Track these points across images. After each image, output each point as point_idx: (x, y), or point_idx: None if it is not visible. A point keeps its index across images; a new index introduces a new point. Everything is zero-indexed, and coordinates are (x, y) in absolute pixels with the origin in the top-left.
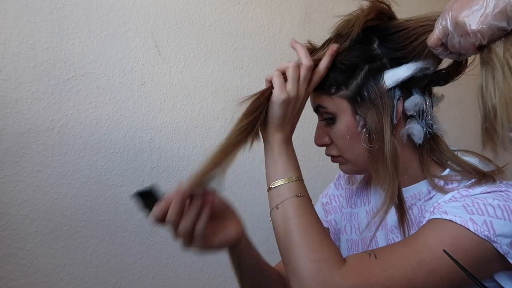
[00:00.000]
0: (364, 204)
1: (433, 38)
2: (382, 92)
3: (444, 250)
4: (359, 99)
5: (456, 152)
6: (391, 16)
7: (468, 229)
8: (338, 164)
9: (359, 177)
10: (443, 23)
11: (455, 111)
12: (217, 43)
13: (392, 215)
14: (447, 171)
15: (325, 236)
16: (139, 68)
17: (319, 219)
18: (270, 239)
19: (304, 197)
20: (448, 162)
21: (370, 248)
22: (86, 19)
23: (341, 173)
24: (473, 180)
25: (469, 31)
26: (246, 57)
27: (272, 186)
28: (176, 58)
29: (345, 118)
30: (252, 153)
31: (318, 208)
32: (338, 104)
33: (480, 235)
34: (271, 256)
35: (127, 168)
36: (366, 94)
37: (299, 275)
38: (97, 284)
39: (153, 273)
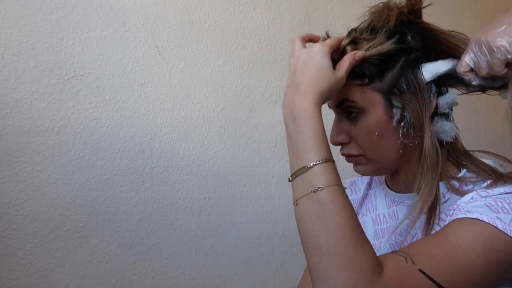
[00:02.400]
0: (370, 212)
1: (462, 64)
2: (422, 85)
3: (419, 269)
4: (396, 91)
5: (472, 153)
6: (420, 16)
7: (497, 228)
8: (354, 164)
9: (364, 182)
10: (471, 48)
11: (456, 111)
12: (217, 43)
13: (397, 221)
14: (463, 172)
15: (363, 234)
16: (139, 68)
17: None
18: (270, 240)
19: (340, 186)
20: (464, 163)
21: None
22: (86, 19)
23: (348, 184)
24: (489, 182)
25: (494, 46)
26: (246, 57)
27: (310, 166)
28: (176, 58)
29: (376, 113)
30: (252, 153)
31: None
32: (369, 97)
33: (509, 234)
34: (271, 256)
35: (127, 168)
36: (405, 87)
37: (330, 284)
38: (97, 284)
39: (153, 273)
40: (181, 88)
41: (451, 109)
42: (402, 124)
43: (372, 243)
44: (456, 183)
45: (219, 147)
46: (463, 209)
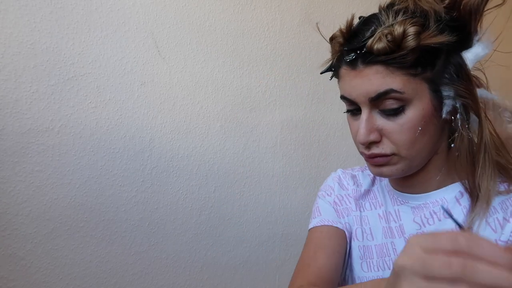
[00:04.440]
0: (375, 207)
1: None
2: (467, 74)
3: (441, 206)
4: (446, 80)
5: None
6: None
7: None
8: (377, 166)
9: (366, 178)
10: None
11: None
12: (217, 43)
13: (409, 222)
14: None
15: None
16: (139, 68)
17: None
18: (269, 240)
19: None
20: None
21: (388, 257)
22: (86, 19)
23: (340, 172)
24: None
25: None
26: (246, 57)
27: None
28: (176, 58)
29: (422, 105)
30: (252, 153)
31: (327, 207)
32: (418, 88)
33: None
34: (270, 256)
35: (127, 168)
36: (455, 75)
37: None
38: (97, 284)
39: (153, 273)
40: (181, 88)
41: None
42: (457, 115)
43: (380, 242)
44: (467, 182)
45: (219, 147)
46: None
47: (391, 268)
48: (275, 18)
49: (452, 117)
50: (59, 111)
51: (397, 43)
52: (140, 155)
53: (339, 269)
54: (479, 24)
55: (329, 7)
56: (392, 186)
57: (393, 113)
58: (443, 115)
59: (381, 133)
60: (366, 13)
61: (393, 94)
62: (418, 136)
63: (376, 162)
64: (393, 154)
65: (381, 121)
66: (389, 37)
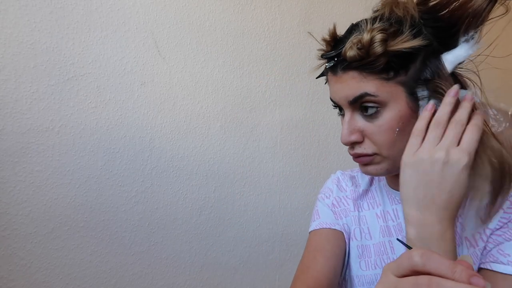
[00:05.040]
0: (373, 207)
1: None
2: (446, 76)
3: (397, 238)
4: (421, 82)
5: None
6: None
7: None
8: (363, 165)
9: (364, 178)
10: None
11: None
12: (217, 43)
13: (400, 220)
14: None
15: None
16: (139, 68)
17: None
18: (269, 239)
19: None
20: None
21: (386, 255)
22: (86, 19)
23: (339, 174)
24: None
25: None
26: (246, 57)
27: None
28: (176, 58)
29: (398, 107)
30: (252, 153)
31: (325, 210)
32: (392, 91)
33: None
34: (270, 256)
35: (127, 168)
36: (430, 76)
37: None
38: (97, 284)
39: (153, 273)
40: (181, 88)
41: None
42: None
43: (378, 240)
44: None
45: (219, 147)
46: None
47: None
48: (275, 18)
49: None
50: (59, 111)
51: (366, 50)
52: (140, 155)
53: (338, 271)
54: (474, 26)
55: (329, 7)
56: (390, 186)
57: (371, 115)
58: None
59: (363, 134)
60: (366, 13)
61: (367, 98)
62: (397, 137)
63: (360, 161)
64: (375, 154)
65: (361, 123)
66: (359, 45)
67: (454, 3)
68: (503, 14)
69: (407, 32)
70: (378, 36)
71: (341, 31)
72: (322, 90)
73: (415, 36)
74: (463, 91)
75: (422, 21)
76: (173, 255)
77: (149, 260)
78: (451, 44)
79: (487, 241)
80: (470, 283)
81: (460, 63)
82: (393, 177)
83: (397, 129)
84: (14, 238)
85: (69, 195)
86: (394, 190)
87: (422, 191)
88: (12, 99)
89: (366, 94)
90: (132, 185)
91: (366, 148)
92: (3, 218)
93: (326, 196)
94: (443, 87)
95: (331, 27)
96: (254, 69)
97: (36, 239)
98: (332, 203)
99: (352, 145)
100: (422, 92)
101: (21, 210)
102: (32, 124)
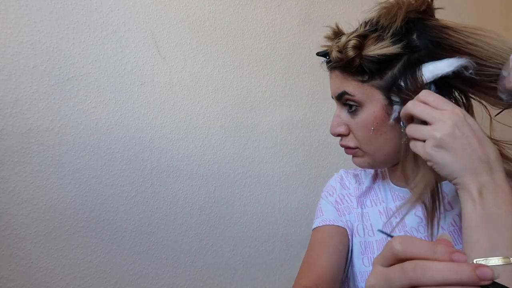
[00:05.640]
0: (376, 204)
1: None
2: (421, 85)
3: (378, 230)
4: (395, 90)
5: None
6: (432, 14)
7: None
8: (352, 156)
9: (367, 176)
10: None
11: None
12: (217, 43)
13: (411, 216)
14: None
15: None
16: (139, 68)
17: None
18: (269, 240)
19: None
20: None
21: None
22: (86, 19)
23: (343, 172)
24: None
25: None
26: (246, 57)
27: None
28: (176, 58)
29: (373, 108)
30: (253, 153)
31: (329, 207)
32: (368, 93)
33: None
34: (270, 256)
35: (127, 168)
36: (403, 85)
37: None
38: (97, 284)
39: (153, 273)
40: (181, 88)
41: None
42: (401, 122)
43: (381, 237)
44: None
45: (219, 147)
46: None
47: None
48: (275, 18)
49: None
50: (59, 111)
51: (342, 53)
52: (140, 155)
53: (342, 267)
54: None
55: (329, 7)
56: (393, 183)
57: (352, 112)
58: (390, 120)
59: (349, 128)
60: (365, 14)
61: (346, 96)
62: (372, 136)
63: (346, 152)
64: (357, 148)
65: (346, 118)
66: (338, 47)
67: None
68: None
69: (387, 39)
70: (351, 42)
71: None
72: (322, 90)
73: (394, 44)
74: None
75: (407, 28)
76: (173, 255)
77: (149, 260)
78: (441, 55)
79: None
80: (452, 260)
81: (444, 75)
82: (397, 174)
83: (372, 128)
84: (14, 238)
85: (69, 195)
86: (397, 187)
87: (468, 156)
88: (12, 99)
89: (345, 93)
90: (132, 185)
91: (349, 141)
92: (3, 218)
93: (330, 194)
94: (411, 96)
95: (333, 25)
96: (254, 69)
97: (36, 239)
98: (336, 201)
99: (341, 137)
100: (395, 98)
101: (21, 210)
102: (32, 124)
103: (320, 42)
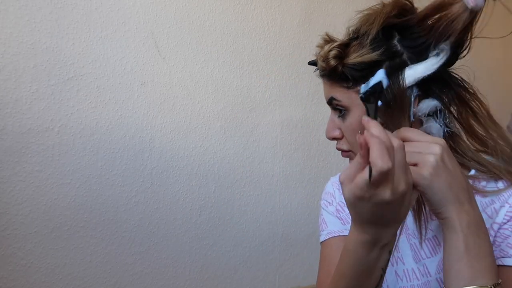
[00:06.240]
0: None
1: None
2: (401, 90)
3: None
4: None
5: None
6: (412, 12)
7: None
8: (348, 159)
9: None
10: None
11: None
12: (217, 43)
13: (412, 219)
14: (472, 172)
15: None
16: (139, 68)
17: None
18: (269, 239)
19: None
20: (471, 162)
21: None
22: (86, 19)
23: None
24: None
25: None
26: (246, 57)
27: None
28: (176, 58)
29: (358, 113)
30: (253, 153)
31: (331, 218)
32: (353, 98)
33: None
34: (270, 256)
35: (127, 168)
36: (388, 91)
37: None
38: (97, 284)
39: (153, 273)
40: (181, 88)
41: (441, 110)
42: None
43: None
44: (470, 181)
45: (219, 147)
46: None
47: (394, 263)
48: (275, 18)
49: None
50: (59, 111)
51: (325, 62)
52: (140, 155)
53: None
54: (444, 38)
55: (329, 7)
56: None
57: (341, 116)
58: None
59: (342, 132)
60: (350, 22)
61: (334, 101)
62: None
63: (342, 155)
64: (350, 151)
65: (339, 122)
66: (321, 57)
67: (432, 16)
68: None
69: (367, 47)
70: (332, 52)
71: (341, 31)
72: (322, 90)
73: (374, 50)
74: (426, 101)
75: (386, 34)
76: (173, 255)
77: (149, 260)
78: (422, 58)
79: (495, 236)
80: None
81: (425, 77)
82: None
83: (359, 132)
84: (14, 238)
85: (69, 195)
86: None
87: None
88: (12, 99)
89: (333, 99)
90: (132, 185)
91: (343, 144)
92: (3, 218)
93: (329, 203)
94: (394, 100)
95: (324, 35)
96: (254, 69)
97: (36, 239)
98: (336, 209)
99: (335, 140)
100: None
101: (21, 210)
102: (32, 124)
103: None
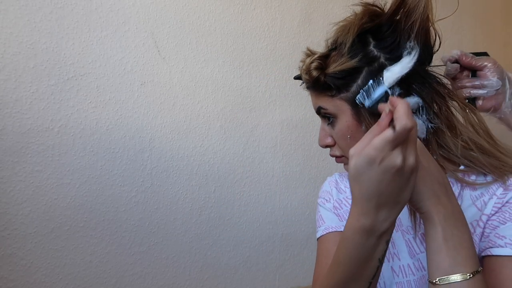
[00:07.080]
0: None
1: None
2: (384, 92)
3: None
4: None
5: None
6: (382, 10)
7: None
8: (343, 164)
9: None
10: None
11: None
12: (217, 43)
13: (406, 215)
14: (462, 167)
15: None
16: (139, 68)
17: None
18: (269, 239)
19: None
20: (459, 157)
21: (388, 249)
22: (86, 19)
23: (337, 176)
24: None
25: None
26: (246, 57)
27: (439, 283)
28: (176, 58)
29: (345, 118)
30: (253, 153)
31: (328, 214)
32: (339, 105)
33: None
34: (271, 256)
35: (127, 168)
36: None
37: None
38: (97, 284)
39: (153, 273)
40: (181, 88)
41: (423, 106)
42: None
43: None
44: (459, 175)
45: (219, 147)
46: None
47: (390, 259)
48: (275, 18)
49: None
50: (59, 111)
51: (307, 74)
52: (140, 155)
53: None
54: (409, 33)
55: (329, 7)
56: None
57: (330, 123)
58: (363, 128)
59: (334, 139)
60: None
61: (322, 110)
62: (350, 143)
63: (336, 161)
64: (342, 156)
65: (329, 130)
66: (304, 70)
67: (397, 13)
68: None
69: (345, 55)
70: (313, 64)
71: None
72: None
73: (352, 58)
74: (408, 99)
75: (362, 41)
76: (173, 255)
77: (149, 260)
78: (397, 58)
79: (484, 227)
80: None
81: (403, 76)
82: None
83: (349, 136)
84: (14, 238)
85: (69, 195)
86: None
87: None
88: (12, 99)
89: (321, 108)
90: (132, 185)
91: (335, 150)
92: (3, 218)
93: (326, 200)
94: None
95: (306, 49)
96: (254, 69)
97: (36, 239)
98: (334, 206)
99: (328, 147)
100: (362, 109)
101: (21, 210)
102: (32, 124)
103: (320, 42)
